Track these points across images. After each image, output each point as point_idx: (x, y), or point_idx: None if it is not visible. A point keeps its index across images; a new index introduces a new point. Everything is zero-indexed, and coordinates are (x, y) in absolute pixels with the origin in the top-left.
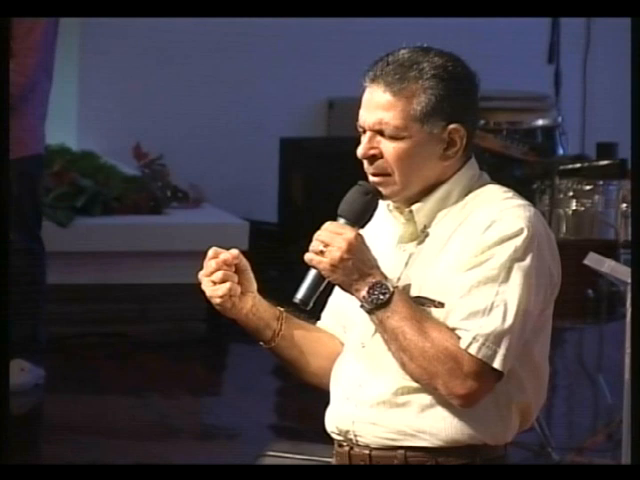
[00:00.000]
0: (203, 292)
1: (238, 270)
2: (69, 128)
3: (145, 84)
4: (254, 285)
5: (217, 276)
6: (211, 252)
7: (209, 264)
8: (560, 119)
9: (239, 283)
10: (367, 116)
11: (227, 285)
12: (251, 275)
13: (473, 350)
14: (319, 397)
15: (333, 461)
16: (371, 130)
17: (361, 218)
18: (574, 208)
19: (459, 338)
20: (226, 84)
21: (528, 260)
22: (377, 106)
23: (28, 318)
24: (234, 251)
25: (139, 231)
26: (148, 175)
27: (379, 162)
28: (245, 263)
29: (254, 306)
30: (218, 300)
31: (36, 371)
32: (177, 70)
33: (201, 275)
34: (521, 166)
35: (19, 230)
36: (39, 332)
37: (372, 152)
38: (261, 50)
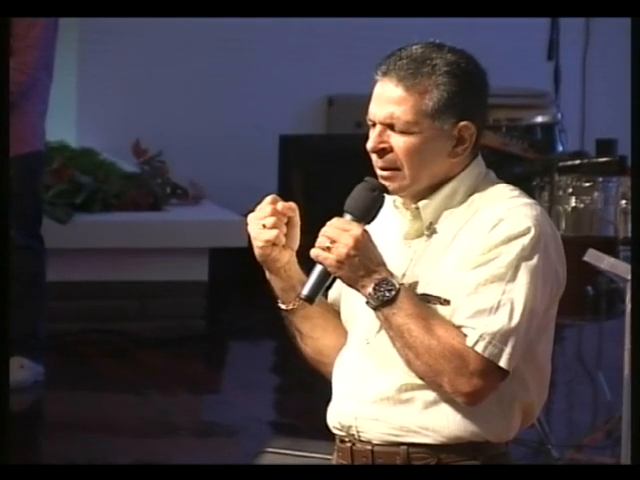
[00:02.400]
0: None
1: (289, 224)
2: (68, 125)
3: (144, 81)
4: (296, 243)
5: (269, 221)
6: (270, 197)
7: (265, 208)
8: (559, 116)
9: (285, 235)
10: (378, 110)
11: (275, 232)
12: (298, 233)
13: (479, 348)
14: (319, 394)
15: (334, 457)
16: (381, 124)
17: (367, 214)
18: (573, 205)
19: (465, 336)
20: (226, 81)
21: (535, 259)
22: (389, 100)
23: (27, 315)
24: (291, 204)
25: (138, 228)
26: (147, 172)
27: (388, 156)
28: (297, 220)
29: (288, 264)
30: (261, 244)
31: (35, 368)
32: (176, 67)
33: (252, 216)
34: (520, 163)
35: (19, 227)
36: (38, 329)
37: (382, 146)
38: (260, 47)
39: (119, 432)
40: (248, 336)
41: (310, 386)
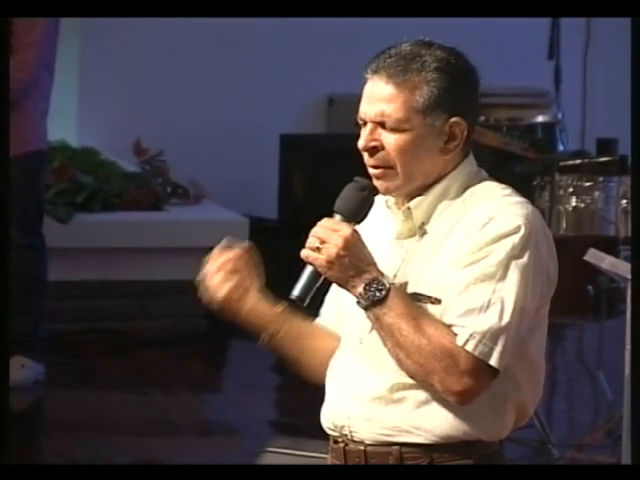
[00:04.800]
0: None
1: (250, 265)
2: (69, 124)
3: (145, 80)
4: (259, 282)
5: (216, 280)
6: (215, 250)
7: (210, 266)
8: (560, 115)
9: (245, 278)
10: (368, 108)
11: (225, 289)
12: (259, 271)
13: (470, 347)
14: (320, 393)
15: (329, 458)
16: (372, 122)
17: (357, 214)
18: (574, 204)
19: (455, 335)
20: (226, 80)
21: (525, 258)
22: (379, 98)
23: (28, 314)
24: (242, 246)
25: (139, 227)
26: (148, 171)
27: (380, 154)
28: (256, 257)
29: (254, 307)
30: (224, 297)
31: (36, 367)
32: (177, 66)
33: (204, 274)
34: (521, 162)
35: (21, 226)
36: (39, 328)
37: (373, 144)
38: (261, 46)
39: (120, 431)
40: (249, 335)
41: (310, 386)
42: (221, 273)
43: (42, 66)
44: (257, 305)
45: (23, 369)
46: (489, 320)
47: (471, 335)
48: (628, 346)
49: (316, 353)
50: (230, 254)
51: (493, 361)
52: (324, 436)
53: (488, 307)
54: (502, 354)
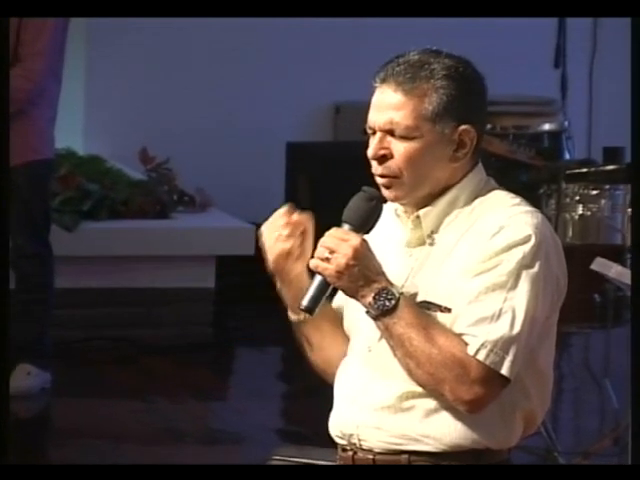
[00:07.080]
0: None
1: (303, 234)
2: (75, 132)
3: (152, 88)
4: (309, 254)
5: (284, 232)
6: (285, 208)
7: (280, 219)
8: (566, 123)
9: (299, 246)
10: (378, 116)
11: (290, 243)
12: (311, 244)
13: (481, 356)
14: (326, 401)
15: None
16: (381, 130)
17: (366, 224)
18: (580, 213)
19: (466, 344)
20: (232, 88)
21: (536, 267)
22: (388, 106)
23: (35, 322)
24: (306, 214)
25: (145, 235)
26: (154, 179)
27: (389, 163)
28: (311, 230)
29: (300, 274)
30: (275, 255)
31: (42, 375)
32: (184, 74)
33: (266, 226)
34: (527, 170)
35: (28, 235)
36: (46, 336)
37: (382, 152)
38: (268, 54)
39: (125, 439)
40: (255, 343)
41: (317, 393)
42: (284, 231)
43: (49, 75)
44: (303, 274)
45: (29, 377)
46: (500, 329)
47: (482, 344)
48: None
49: (335, 344)
50: (295, 216)
51: (504, 370)
52: (331, 444)
53: (499, 316)
54: (513, 363)
